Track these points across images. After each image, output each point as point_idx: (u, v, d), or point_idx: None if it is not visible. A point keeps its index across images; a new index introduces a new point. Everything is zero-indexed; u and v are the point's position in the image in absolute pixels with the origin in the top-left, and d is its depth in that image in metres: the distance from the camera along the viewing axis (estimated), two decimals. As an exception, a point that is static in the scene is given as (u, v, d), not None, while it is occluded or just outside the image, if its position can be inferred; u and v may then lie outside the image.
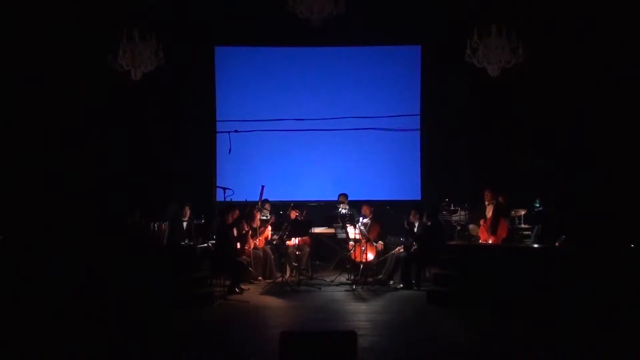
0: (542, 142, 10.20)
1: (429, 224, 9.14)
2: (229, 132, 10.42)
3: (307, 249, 9.86)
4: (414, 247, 9.08)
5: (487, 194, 9.26)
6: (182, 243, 9.31)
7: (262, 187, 9.80)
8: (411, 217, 9.35)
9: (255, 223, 9.58)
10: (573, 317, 6.89)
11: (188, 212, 9.85)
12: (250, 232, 9.39)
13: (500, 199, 9.00)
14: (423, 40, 11.48)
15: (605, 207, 8.97)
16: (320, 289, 8.94)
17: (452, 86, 10.86)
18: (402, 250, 9.27)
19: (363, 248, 9.31)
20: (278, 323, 7.01)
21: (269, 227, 9.98)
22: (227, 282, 8.51)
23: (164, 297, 7.65)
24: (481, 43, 8.67)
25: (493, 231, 8.79)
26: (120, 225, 9.32)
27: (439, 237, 9.02)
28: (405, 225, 9.32)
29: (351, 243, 9.39)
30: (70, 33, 9.88)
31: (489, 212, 9.08)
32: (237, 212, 9.32)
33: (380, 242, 9.59)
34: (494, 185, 9.29)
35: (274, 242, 9.92)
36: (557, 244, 8.13)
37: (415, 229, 9.19)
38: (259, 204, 9.83)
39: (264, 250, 9.72)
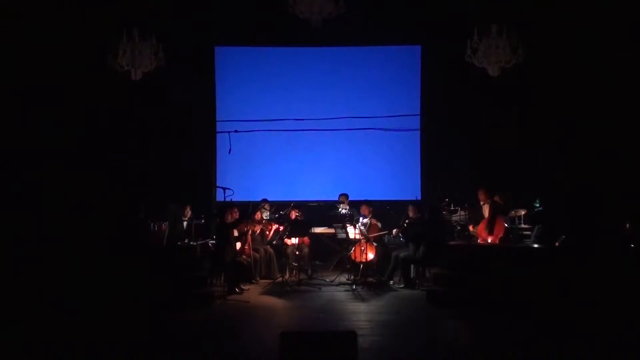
0: (542, 142, 10.19)
1: (426, 218, 9.20)
2: (229, 132, 10.41)
3: (306, 249, 9.86)
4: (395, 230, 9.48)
5: (481, 194, 9.28)
6: (182, 243, 9.31)
7: (292, 204, 9.84)
8: (410, 212, 9.38)
9: (257, 227, 9.62)
10: (573, 317, 6.89)
11: (188, 212, 9.85)
12: (250, 232, 9.40)
13: (495, 198, 9.02)
14: (423, 40, 11.48)
15: (605, 207, 8.97)
16: (320, 289, 8.94)
17: (452, 86, 10.86)
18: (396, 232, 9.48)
19: (363, 248, 9.32)
20: (278, 323, 7.00)
21: (273, 225, 9.99)
22: (227, 282, 8.51)
23: (164, 297, 7.65)
24: (481, 43, 8.68)
25: (490, 231, 8.81)
26: (120, 225, 9.31)
27: (439, 233, 9.04)
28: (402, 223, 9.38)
29: (356, 233, 9.36)
30: (71, 33, 9.88)
31: (486, 212, 9.11)
32: (236, 211, 9.33)
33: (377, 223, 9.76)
34: (487, 185, 9.30)
35: (274, 242, 9.92)
36: (557, 244, 8.13)
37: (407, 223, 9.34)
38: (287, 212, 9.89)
39: (265, 250, 9.73)
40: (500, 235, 8.74)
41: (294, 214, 9.81)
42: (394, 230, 9.57)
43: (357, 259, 9.35)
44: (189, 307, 7.66)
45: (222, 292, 8.39)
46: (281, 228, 9.82)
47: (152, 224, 9.33)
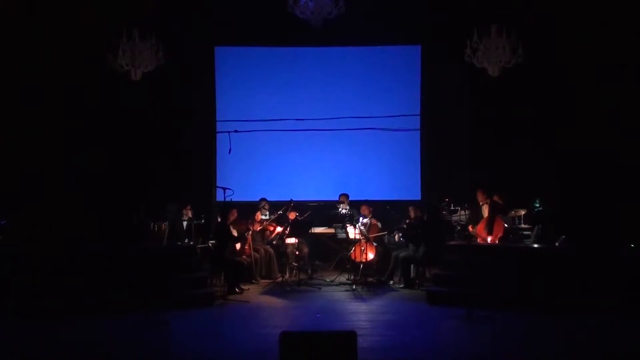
0: (542, 142, 10.19)
1: (425, 219, 9.20)
2: (229, 132, 10.39)
3: (306, 249, 9.85)
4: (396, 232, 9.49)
5: (479, 195, 9.31)
6: (182, 243, 9.31)
7: (291, 204, 9.85)
8: (411, 213, 9.39)
9: (256, 226, 9.62)
10: (572, 316, 6.90)
11: (188, 212, 9.85)
12: (250, 232, 9.40)
13: (494, 197, 9.02)
14: (423, 40, 11.47)
15: (605, 207, 8.97)
16: (320, 289, 8.95)
17: (452, 86, 10.84)
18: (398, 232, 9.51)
19: (363, 248, 9.31)
20: (278, 323, 7.01)
21: (276, 227, 9.99)
22: (227, 282, 8.51)
23: (164, 297, 7.65)
24: (481, 43, 8.68)
25: (489, 230, 8.82)
26: (120, 225, 9.32)
27: (439, 233, 9.04)
28: (404, 225, 9.38)
29: (356, 233, 9.36)
30: (71, 33, 9.88)
31: (485, 212, 9.12)
32: (236, 212, 9.32)
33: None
34: (485, 185, 9.30)
35: (274, 242, 9.92)
36: (557, 244, 8.13)
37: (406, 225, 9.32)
38: (285, 210, 9.87)
39: (265, 250, 9.73)
40: (500, 235, 8.76)
41: (293, 214, 9.81)
42: (396, 236, 9.56)
43: (357, 259, 9.35)
44: (189, 307, 7.67)
45: (222, 292, 8.39)
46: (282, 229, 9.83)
47: (152, 224, 9.33)
